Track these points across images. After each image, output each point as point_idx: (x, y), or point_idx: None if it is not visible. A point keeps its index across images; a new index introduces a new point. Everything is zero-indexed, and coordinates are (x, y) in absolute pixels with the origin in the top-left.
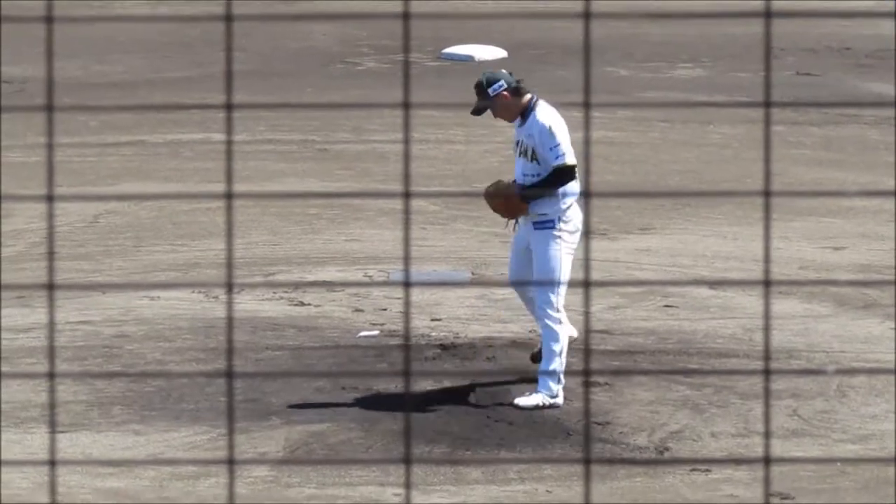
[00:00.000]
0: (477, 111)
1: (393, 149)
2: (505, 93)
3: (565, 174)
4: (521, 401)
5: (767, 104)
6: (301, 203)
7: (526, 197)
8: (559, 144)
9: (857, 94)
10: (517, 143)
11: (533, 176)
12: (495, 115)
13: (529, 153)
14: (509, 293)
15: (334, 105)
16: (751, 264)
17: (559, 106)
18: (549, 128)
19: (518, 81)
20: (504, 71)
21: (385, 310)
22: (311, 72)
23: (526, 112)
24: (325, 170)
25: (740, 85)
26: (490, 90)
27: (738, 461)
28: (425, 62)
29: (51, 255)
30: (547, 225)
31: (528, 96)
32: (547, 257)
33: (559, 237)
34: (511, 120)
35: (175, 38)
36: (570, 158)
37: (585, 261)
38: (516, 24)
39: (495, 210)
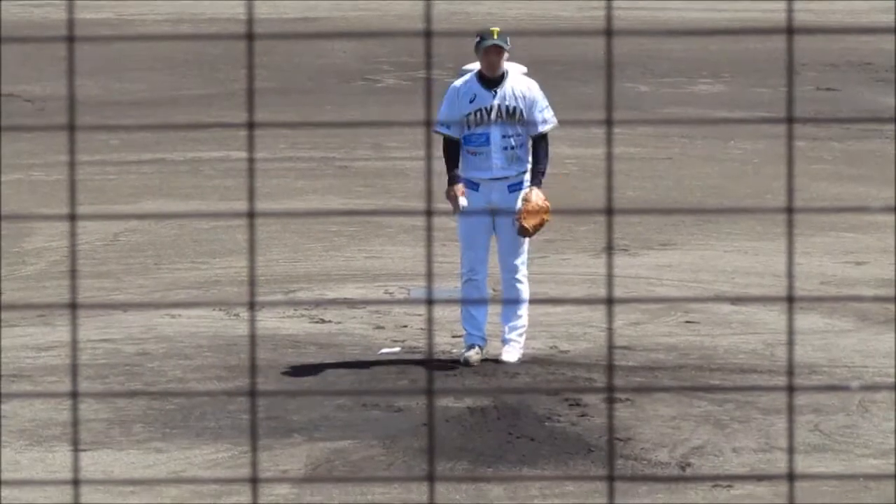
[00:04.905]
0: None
1: (413, 165)
2: None
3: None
4: (507, 356)
5: (790, 120)
6: (321, 220)
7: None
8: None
9: (878, 109)
10: None
11: None
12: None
13: None
14: (529, 310)
15: (357, 123)
16: (771, 279)
17: (569, 124)
18: None
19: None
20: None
21: (406, 326)
22: (331, 89)
23: None
24: (345, 187)
25: (760, 100)
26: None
27: (761, 477)
28: (445, 78)
29: (73, 274)
30: None
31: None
32: None
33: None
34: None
35: (196, 55)
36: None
37: (608, 278)
38: (536, 40)
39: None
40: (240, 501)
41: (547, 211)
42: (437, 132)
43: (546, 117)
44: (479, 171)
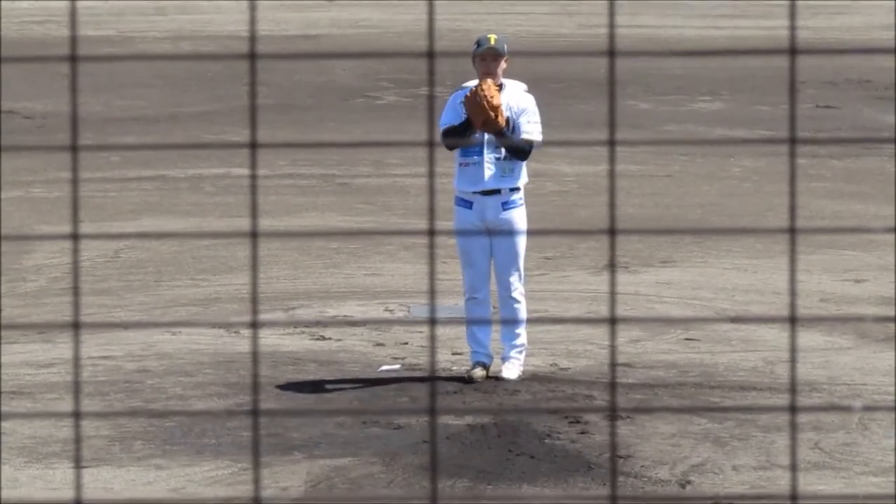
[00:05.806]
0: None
1: (414, 182)
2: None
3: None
4: (507, 373)
5: (793, 140)
6: (321, 237)
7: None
8: None
9: (877, 127)
10: None
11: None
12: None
13: None
14: (529, 328)
15: (359, 143)
16: (771, 297)
17: (571, 144)
18: None
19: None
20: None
21: (406, 344)
22: (332, 106)
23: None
24: (345, 204)
25: (760, 118)
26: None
27: (763, 496)
28: (445, 95)
29: (76, 292)
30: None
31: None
32: None
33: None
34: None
35: (196, 72)
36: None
37: (611, 296)
38: (537, 58)
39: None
40: None
41: (495, 110)
42: (441, 132)
43: (530, 129)
44: (471, 183)
